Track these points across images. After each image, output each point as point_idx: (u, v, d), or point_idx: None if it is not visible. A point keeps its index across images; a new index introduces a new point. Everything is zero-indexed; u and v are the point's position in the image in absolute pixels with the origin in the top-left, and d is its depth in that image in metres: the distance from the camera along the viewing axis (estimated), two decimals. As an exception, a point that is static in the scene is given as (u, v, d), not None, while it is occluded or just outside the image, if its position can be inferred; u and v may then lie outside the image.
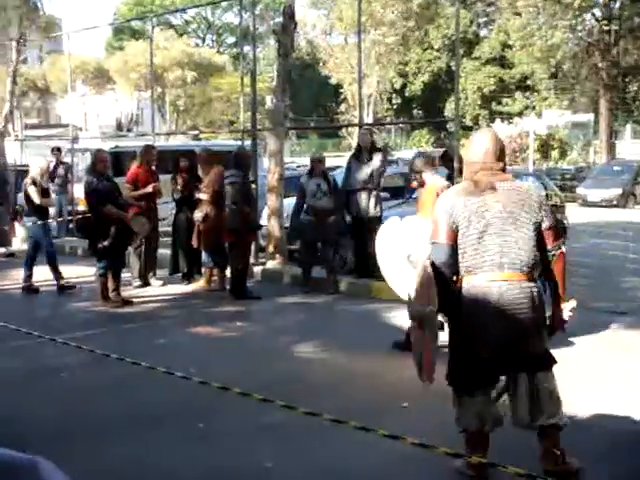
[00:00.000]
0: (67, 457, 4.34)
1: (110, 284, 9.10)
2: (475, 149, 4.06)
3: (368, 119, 33.35)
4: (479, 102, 47.83)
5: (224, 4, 57.37)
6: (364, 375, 6.18)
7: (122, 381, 5.87)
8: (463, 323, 3.92)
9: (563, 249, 4.08)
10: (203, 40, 63.93)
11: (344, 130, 38.79)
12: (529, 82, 45.04)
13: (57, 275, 9.93)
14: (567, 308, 4.09)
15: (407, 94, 50.36)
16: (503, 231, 3.85)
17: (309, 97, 53.66)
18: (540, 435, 3.99)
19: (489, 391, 4.06)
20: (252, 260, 11.67)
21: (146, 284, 10.37)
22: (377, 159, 9.90)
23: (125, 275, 10.07)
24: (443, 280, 3.90)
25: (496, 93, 47.58)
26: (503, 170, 4.05)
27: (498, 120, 41.48)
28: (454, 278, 3.98)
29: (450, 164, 10.07)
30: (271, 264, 11.27)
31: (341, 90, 35.40)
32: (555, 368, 4.03)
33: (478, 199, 3.90)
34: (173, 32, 48.97)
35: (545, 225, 3.95)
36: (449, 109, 43.45)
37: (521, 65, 44.37)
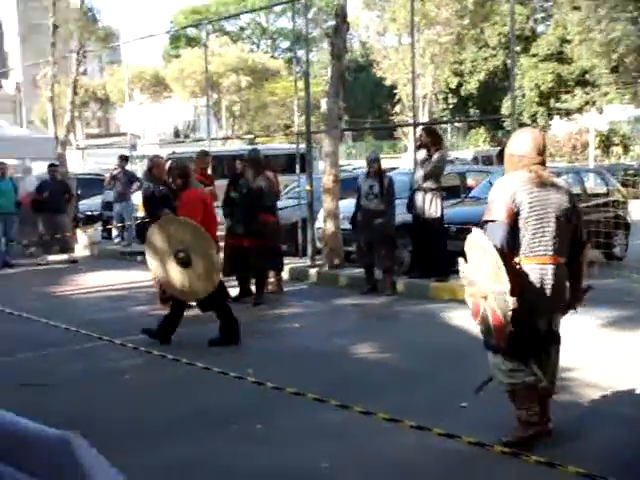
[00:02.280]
0: (129, 455, 4.41)
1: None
2: (523, 143, 4.48)
3: (423, 119, 33.13)
4: (537, 99, 47.02)
5: (277, 9, 57.91)
6: (423, 375, 6.12)
7: (181, 381, 5.93)
8: (524, 298, 4.24)
9: (588, 245, 4.74)
10: (258, 46, 64.43)
11: (400, 131, 38.58)
12: (588, 77, 44.07)
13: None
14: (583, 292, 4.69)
15: (463, 93, 49.85)
16: (556, 223, 4.39)
17: (364, 99, 53.57)
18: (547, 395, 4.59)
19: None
20: (309, 262, 11.72)
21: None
22: (434, 157, 9.81)
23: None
24: (505, 259, 4.23)
25: (554, 90, 46.70)
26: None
27: (557, 117, 40.77)
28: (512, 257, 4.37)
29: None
30: (327, 266, 11.27)
31: (396, 91, 35.19)
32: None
33: (543, 191, 4.38)
34: (228, 38, 49.50)
35: (576, 221, 4.56)
36: (506, 107, 42.84)
37: (580, 60, 43.43)
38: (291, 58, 43.79)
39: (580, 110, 40.90)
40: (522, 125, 43.59)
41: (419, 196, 9.80)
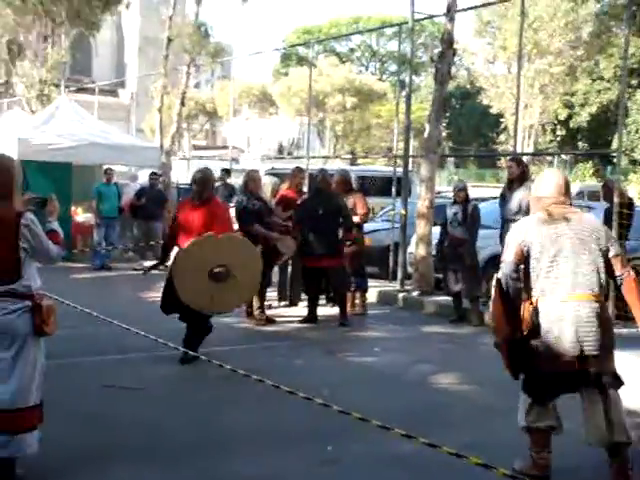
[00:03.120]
0: (192, 468, 4.43)
1: (255, 302, 9.27)
2: (545, 185, 4.54)
3: (528, 150, 32.50)
4: (650, 135, 45.31)
5: (389, 32, 58.09)
6: (502, 411, 5.92)
7: (253, 398, 5.93)
8: (542, 339, 4.27)
9: (632, 274, 4.46)
10: (366, 68, 64.84)
11: (503, 161, 37.97)
12: None
13: None
14: None
15: (572, 125, 48.59)
16: (575, 256, 4.30)
17: (469, 126, 53.03)
18: (612, 452, 4.27)
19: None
20: (398, 286, 11.61)
21: (292, 304, 10.50)
22: (523, 190, 9.52)
23: (272, 294, 10.27)
24: (509, 298, 4.37)
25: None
26: (570, 204, 4.52)
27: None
28: (522, 297, 4.40)
29: (610, 198, 9.63)
30: (416, 291, 11.13)
31: (502, 120, 34.72)
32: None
33: (552, 227, 4.35)
34: (336, 59, 49.97)
35: (612, 253, 4.38)
36: (617, 141, 41.51)
37: (700, 96, 41.72)
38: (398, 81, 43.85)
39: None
40: (633, 162, 42.18)
41: (509, 226, 9.55)
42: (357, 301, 10.24)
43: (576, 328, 4.21)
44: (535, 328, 4.30)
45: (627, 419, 4.37)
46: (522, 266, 4.39)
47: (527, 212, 9.51)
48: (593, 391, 4.29)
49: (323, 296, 10.21)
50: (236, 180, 17.22)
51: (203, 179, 7.52)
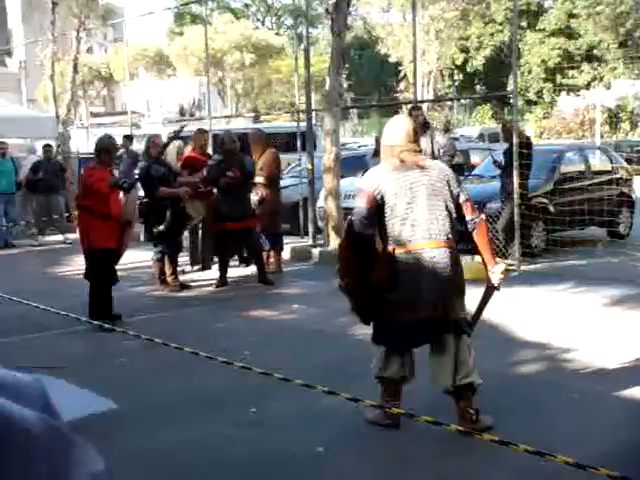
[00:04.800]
0: (121, 439, 4.36)
1: (167, 268, 9.14)
2: (394, 133, 4.53)
3: (428, 96, 32.88)
4: (543, 75, 46.58)
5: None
6: (421, 360, 6.03)
7: (174, 365, 5.87)
8: (399, 287, 4.29)
9: (483, 217, 4.59)
10: (263, 23, 63.95)
11: (404, 109, 38.32)
12: (596, 52, 43.62)
13: None
14: (497, 271, 4.42)
15: (469, 69, 49.43)
16: (429, 203, 4.32)
17: (370, 77, 53.22)
18: (456, 395, 4.40)
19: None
20: (310, 242, 11.64)
21: (205, 268, 10.40)
22: (446, 140, 9.71)
23: (184, 259, 10.16)
24: (360, 243, 4.36)
25: (561, 65, 46.25)
26: (420, 151, 4.59)
27: (563, 93, 40.42)
28: (374, 244, 4.38)
29: (509, 138, 9.88)
30: (328, 245, 11.18)
31: (401, 68, 34.94)
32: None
33: (406, 175, 4.36)
34: (232, 16, 49.11)
35: (462, 198, 4.45)
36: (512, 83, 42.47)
37: (587, 35, 43.04)
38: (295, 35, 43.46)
39: (587, 86, 40.52)
40: (528, 102, 43.31)
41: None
42: (272, 259, 10.22)
43: (433, 275, 4.25)
44: (392, 277, 4.29)
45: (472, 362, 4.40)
46: (375, 214, 4.34)
47: (433, 159, 9.69)
48: (447, 336, 4.35)
49: (236, 257, 10.16)
50: (139, 146, 16.82)
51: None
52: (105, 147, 7.61)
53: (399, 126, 4.56)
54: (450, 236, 4.34)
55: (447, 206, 4.36)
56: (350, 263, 4.44)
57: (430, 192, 4.33)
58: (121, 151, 15.11)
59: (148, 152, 9.12)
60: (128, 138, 15.38)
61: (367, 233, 4.35)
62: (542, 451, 2.97)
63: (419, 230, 4.28)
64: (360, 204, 4.37)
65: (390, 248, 4.33)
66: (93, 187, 7.39)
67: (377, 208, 4.33)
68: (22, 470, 0.78)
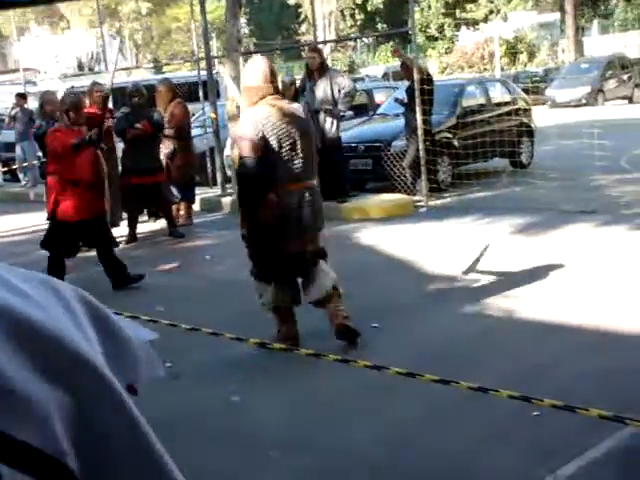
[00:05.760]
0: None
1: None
2: (253, 75, 4.78)
3: (330, 37, 32.68)
4: (443, 10, 46.77)
5: None
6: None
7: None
8: (275, 224, 4.71)
9: None
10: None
11: (307, 51, 38.02)
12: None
13: None
14: None
15: (369, 8, 49.19)
16: (304, 147, 4.75)
17: (270, 21, 52.36)
18: (325, 304, 4.92)
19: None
20: (220, 191, 11.53)
21: (114, 225, 10.17)
22: (345, 81, 9.73)
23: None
24: (252, 190, 4.69)
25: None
26: (282, 94, 5.01)
27: (463, 27, 40.79)
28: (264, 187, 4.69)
29: (410, 75, 9.94)
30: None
31: (300, 10, 34.54)
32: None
33: (284, 121, 4.68)
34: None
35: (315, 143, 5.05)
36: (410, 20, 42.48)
37: (483, -32, 43.28)
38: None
39: (486, 19, 40.96)
40: (429, 38, 43.54)
41: (320, 117, 9.65)
42: (182, 212, 10.09)
43: (308, 213, 4.81)
44: (276, 215, 4.71)
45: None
46: (261, 159, 4.65)
47: (334, 101, 9.70)
48: (313, 263, 4.92)
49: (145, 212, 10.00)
50: (34, 104, 16.20)
51: None
52: (74, 104, 7.06)
53: (257, 67, 4.82)
54: (316, 175, 4.97)
55: (314, 149, 4.92)
56: (245, 209, 4.85)
57: (304, 136, 4.77)
58: (15, 110, 14.56)
59: (43, 110, 8.80)
60: (22, 96, 14.82)
61: (258, 178, 4.66)
62: (445, 379, 3.05)
63: (296, 172, 4.74)
64: (249, 153, 4.65)
65: (273, 189, 4.70)
66: (57, 150, 6.87)
67: (262, 153, 4.66)
68: None
